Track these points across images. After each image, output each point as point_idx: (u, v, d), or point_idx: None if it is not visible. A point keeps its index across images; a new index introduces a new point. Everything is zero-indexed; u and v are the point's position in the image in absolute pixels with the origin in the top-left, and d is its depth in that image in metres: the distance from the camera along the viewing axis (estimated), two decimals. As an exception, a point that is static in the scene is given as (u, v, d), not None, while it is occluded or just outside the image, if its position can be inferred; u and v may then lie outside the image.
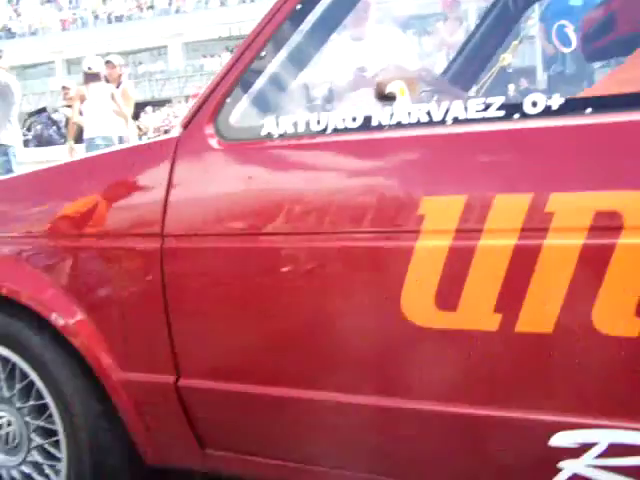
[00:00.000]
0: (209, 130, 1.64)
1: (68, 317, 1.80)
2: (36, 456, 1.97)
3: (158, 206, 1.66)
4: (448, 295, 1.39)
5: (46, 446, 1.95)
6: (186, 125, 1.67)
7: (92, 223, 1.79)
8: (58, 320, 1.81)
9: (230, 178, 1.64)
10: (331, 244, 1.50)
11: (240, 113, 1.62)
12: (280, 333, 1.58)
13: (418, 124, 1.46)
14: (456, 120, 1.43)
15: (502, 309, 1.35)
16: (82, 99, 6.96)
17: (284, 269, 1.55)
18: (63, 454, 1.90)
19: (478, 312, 1.37)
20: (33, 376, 1.89)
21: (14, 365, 1.95)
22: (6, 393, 1.98)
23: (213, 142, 1.64)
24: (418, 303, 1.42)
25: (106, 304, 1.78)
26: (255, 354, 1.62)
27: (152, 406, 1.76)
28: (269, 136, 1.58)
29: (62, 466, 1.91)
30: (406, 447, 1.52)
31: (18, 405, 1.96)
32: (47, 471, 1.97)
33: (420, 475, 1.55)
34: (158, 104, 26.53)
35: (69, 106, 7.76)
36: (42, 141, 8.45)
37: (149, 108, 22.07)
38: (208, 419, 1.72)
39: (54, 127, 8.38)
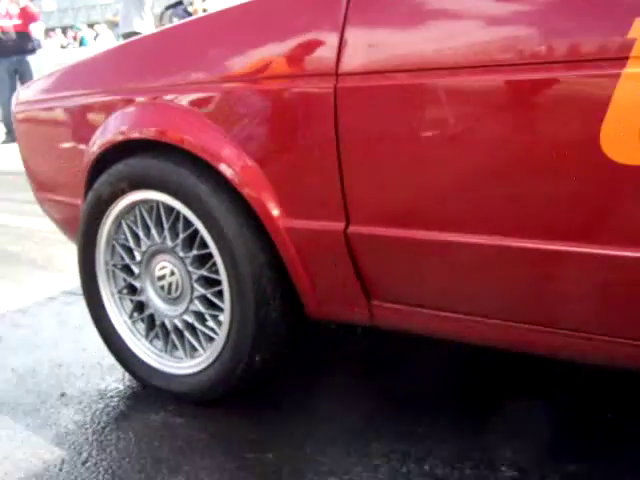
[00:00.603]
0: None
1: (235, 165, 1.77)
2: (198, 305, 1.98)
3: (332, 43, 1.57)
4: (657, 129, 1.25)
5: (209, 296, 1.95)
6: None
7: (260, 65, 1.73)
8: (225, 168, 1.78)
9: (413, 7, 1.53)
10: (524, 76, 1.38)
11: None
12: (460, 176, 1.49)
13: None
14: None
15: None
16: None
17: (472, 105, 1.45)
18: (226, 304, 1.89)
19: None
20: (198, 225, 1.88)
21: (178, 214, 1.93)
22: (169, 243, 1.98)
23: (393, -30, 1.52)
24: (621, 139, 1.29)
25: (275, 150, 1.73)
26: (431, 198, 1.54)
27: (319, 254, 1.72)
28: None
29: (224, 316, 1.91)
30: (604, 298, 1.42)
31: (181, 255, 1.96)
32: (209, 321, 1.98)
33: (613, 328, 1.44)
34: None
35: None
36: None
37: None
38: (377, 268, 1.66)
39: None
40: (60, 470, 1.81)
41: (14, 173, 5.85)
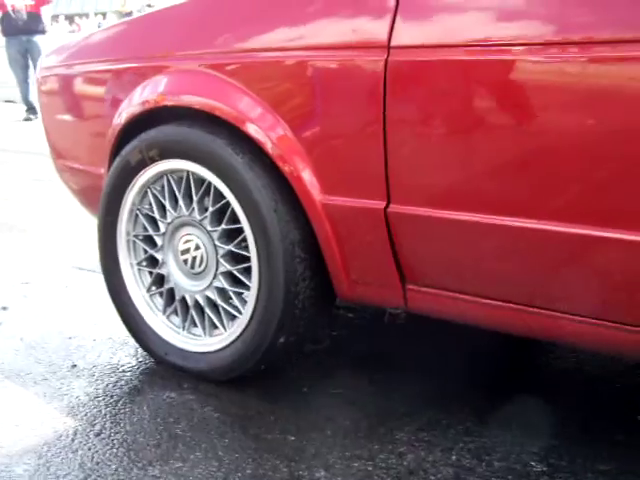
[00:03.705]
0: None
1: (273, 137, 1.72)
2: (223, 282, 1.93)
3: (386, 13, 1.52)
4: None
5: (235, 272, 1.90)
6: None
7: (304, 35, 1.70)
8: (262, 140, 1.73)
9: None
10: (591, 54, 1.33)
11: None
12: (509, 158, 1.44)
13: None
14: None
15: None
16: None
17: (529, 83, 1.40)
18: (253, 282, 1.84)
19: None
20: (230, 198, 1.83)
21: (208, 186, 1.88)
22: (197, 215, 1.93)
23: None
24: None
25: (316, 123, 1.68)
26: (478, 180, 1.49)
27: (355, 233, 1.68)
28: None
29: (250, 295, 1.86)
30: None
31: (209, 228, 1.91)
32: (233, 299, 1.92)
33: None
34: None
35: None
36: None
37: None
38: (415, 250, 1.62)
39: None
40: (72, 440, 1.76)
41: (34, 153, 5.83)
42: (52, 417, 1.87)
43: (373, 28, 1.56)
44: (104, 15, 23.74)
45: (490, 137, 1.45)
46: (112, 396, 1.97)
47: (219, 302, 1.94)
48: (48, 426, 1.82)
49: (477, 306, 1.59)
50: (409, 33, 1.51)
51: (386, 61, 1.53)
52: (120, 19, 18.86)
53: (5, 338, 2.37)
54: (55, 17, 20.92)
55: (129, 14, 16.75)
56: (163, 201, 1.99)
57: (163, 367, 2.10)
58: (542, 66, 1.37)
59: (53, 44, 8.55)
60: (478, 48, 1.43)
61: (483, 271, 1.56)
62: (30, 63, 9.03)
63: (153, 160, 1.94)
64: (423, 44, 1.50)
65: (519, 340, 1.71)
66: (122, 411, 1.89)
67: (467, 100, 1.46)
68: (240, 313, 1.90)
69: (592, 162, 1.34)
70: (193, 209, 1.92)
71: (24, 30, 8.92)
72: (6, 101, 11.25)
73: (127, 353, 2.23)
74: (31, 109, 9.13)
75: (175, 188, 1.96)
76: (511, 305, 1.53)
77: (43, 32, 9.15)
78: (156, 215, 2.02)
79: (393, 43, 1.52)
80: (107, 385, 2.03)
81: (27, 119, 9.16)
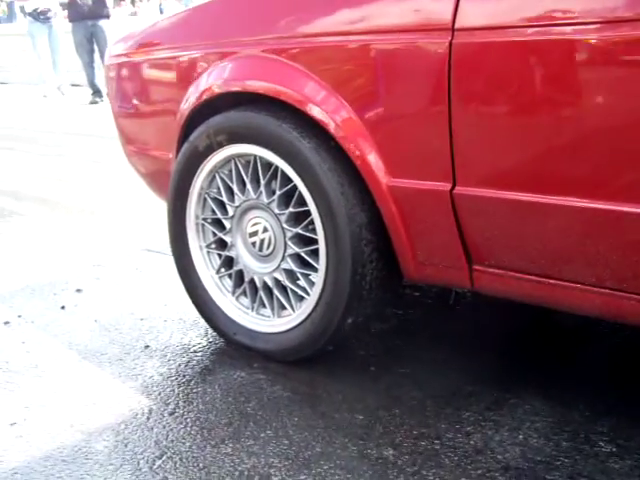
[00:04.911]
0: None
1: (339, 120, 1.74)
2: (291, 264, 1.96)
3: (450, -5, 1.52)
4: None
5: (302, 254, 1.92)
6: None
7: (367, 18, 1.69)
8: (329, 123, 1.75)
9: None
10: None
11: None
12: (576, 138, 1.43)
13: None
14: None
15: None
16: None
17: (598, 63, 1.38)
18: (321, 264, 1.87)
19: None
20: (297, 181, 1.85)
21: (276, 170, 1.91)
22: (265, 199, 1.96)
23: None
24: None
25: (382, 107, 1.69)
26: (545, 161, 1.48)
27: (422, 215, 1.69)
28: None
29: (318, 276, 1.89)
30: None
31: (276, 211, 1.94)
32: (300, 280, 1.95)
33: None
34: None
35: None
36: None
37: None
38: (481, 231, 1.62)
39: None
40: (147, 419, 1.82)
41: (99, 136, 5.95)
42: (127, 396, 1.93)
43: (437, 10, 1.55)
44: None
45: (558, 118, 1.44)
46: (184, 376, 2.02)
47: (287, 284, 1.98)
48: (124, 405, 1.89)
49: (543, 286, 1.59)
50: (474, 14, 1.51)
51: (450, 43, 1.53)
52: (179, 1, 18.97)
53: (80, 320, 2.45)
54: (119, 1, 21.15)
55: (188, -5, 16.81)
56: (231, 185, 2.03)
57: (232, 347, 2.15)
58: (613, 45, 1.35)
59: (117, 28, 8.72)
60: (546, 28, 1.41)
61: (549, 252, 1.55)
62: (95, 47, 9.17)
63: (221, 145, 1.98)
64: (489, 25, 1.49)
65: (587, 320, 1.71)
66: (194, 390, 1.94)
67: (534, 81, 1.46)
68: (308, 294, 1.93)
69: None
70: (261, 192, 1.96)
71: (89, 15, 9.08)
72: (72, 85, 11.44)
73: (197, 333, 2.29)
74: (97, 92, 9.31)
75: (243, 172, 2.00)
76: (578, 285, 1.52)
77: (108, 16, 9.30)
78: (224, 199, 2.06)
79: (458, 25, 1.52)
80: (179, 365, 2.09)
81: (93, 102, 9.35)
